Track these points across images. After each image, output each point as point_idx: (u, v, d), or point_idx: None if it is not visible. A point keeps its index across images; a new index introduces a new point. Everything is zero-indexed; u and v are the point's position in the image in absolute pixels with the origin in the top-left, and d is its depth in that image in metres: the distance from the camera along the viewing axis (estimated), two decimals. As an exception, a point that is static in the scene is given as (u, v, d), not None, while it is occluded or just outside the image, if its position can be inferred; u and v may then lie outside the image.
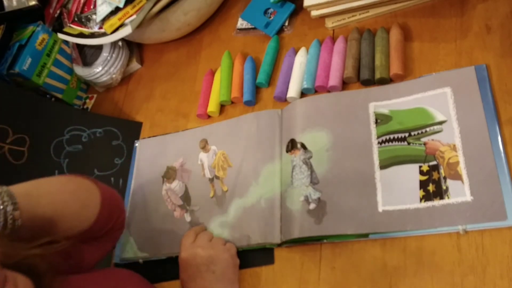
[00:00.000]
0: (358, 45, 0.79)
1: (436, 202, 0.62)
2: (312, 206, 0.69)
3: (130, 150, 0.93)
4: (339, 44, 0.80)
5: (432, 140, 0.67)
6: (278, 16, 0.90)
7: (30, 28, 0.99)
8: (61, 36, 0.99)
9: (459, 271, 0.58)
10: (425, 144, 0.67)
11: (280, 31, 0.90)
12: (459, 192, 0.62)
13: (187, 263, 0.68)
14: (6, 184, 0.83)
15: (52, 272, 0.51)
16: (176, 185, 0.83)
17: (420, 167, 0.66)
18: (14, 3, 1.00)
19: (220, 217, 0.76)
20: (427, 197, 0.63)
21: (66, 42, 1.03)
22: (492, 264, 0.57)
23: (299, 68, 0.82)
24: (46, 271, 0.50)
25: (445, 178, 0.63)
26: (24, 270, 0.47)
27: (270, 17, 0.91)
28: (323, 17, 0.85)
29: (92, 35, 0.94)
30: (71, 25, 0.98)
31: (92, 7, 0.96)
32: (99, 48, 1.01)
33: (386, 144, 0.69)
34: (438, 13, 0.76)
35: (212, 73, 0.93)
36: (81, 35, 0.96)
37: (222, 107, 0.89)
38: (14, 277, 0.44)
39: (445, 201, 0.62)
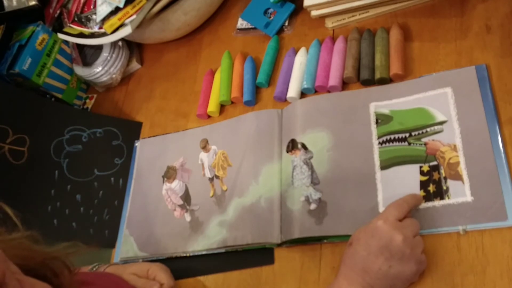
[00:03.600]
0: (358, 45, 0.79)
1: (437, 203, 0.62)
2: (312, 206, 0.69)
3: (130, 150, 0.93)
4: (339, 44, 0.80)
5: (433, 140, 0.67)
6: (278, 16, 0.90)
7: (30, 28, 0.99)
8: (61, 36, 0.99)
9: (459, 271, 0.58)
10: (425, 144, 0.67)
11: (280, 31, 0.90)
12: (460, 193, 0.62)
13: (378, 233, 0.57)
14: (6, 184, 0.83)
15: (70, 272, 0.51)
16: (176, 184, 0.83)
17: (420, 167, 0.66)
18: (14, 3, 1.00)
19: (220, 216, 0.76)
20: (427, 197, 0.63)
21: (66, 42, 1.03)
22: (492, 264, 0.57)
23: (299, 68, 0.82)
24: (63, 273, 0.50)
25: (445, 178, 0.64)
26: (44, 274, 0.47)
27: (270, 17, 0.91)
28: (323, 17, 0.85)
29: (92, 35, 0.94)
30: (71, 25, 0.98)
31: (92, 7, 0.95)
32: (99, 48, 1.01)
33: (387, 144, 0.69)
34: (438, 13, 0.76)
35: (212, 73, 0.93)
36: (81, 35, 0.96)
37: (222, 107, 0.89)
38: (32, 284, 0.44)
39: (446, 201, 0.62)
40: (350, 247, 0.59)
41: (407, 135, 0.69)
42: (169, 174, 0.85)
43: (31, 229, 0.51)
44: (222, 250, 0.74)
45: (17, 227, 0.50)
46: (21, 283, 0.42)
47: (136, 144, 0.93)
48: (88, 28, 0.95)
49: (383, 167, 0.68)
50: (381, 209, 0.65)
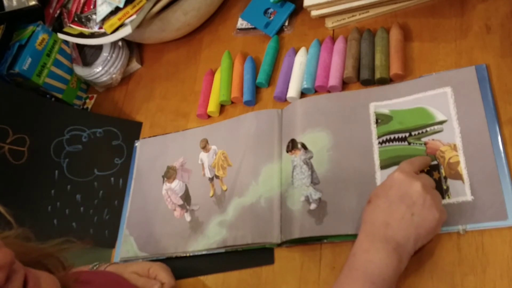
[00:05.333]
0: (358, 45, 0.79)
1: (437, 202, 0.62)
2: (313, 206, 0.69)
3: (130, 150, 0.93)
4: (339, 44, 0.80)
5: (433, 140, 0.67)
6: (278, 16, 0.90)
7: (30, 28, 0.99)
8: (61, 36, 0.99)
9: (459, 271, 0.58)
10: (425, 144, 0.67)
11: (280, 31, 0.90)
12: (460, 192, 0.62)
13: (396, 183, 0.57)
14: (6, 184, 0.83)
15: (64, 269, 0.51)
16: (176, 184, 0.83)
17: (420, 167, 0.66)
18: (14, 3, 1.00)
19: (219, 216, 0.76)
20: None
21: (66, 42, 1.03)
22: (492, 264, 0.57)
23: (299, 68, 0.82)
24: (58, 269, 0.50)
25: (445, 178, 0.64)
26: (42, 269, 0.47)
27: (270, 17, 0.91)
28: (323, 17, 0.85)
29: (92, 35, 0.94)
30: (71, 25, 0.98)
31: (92, 7, 0.96)
32: (99, 48, 1.01)
33: (387, 144, 0.69)
34: (438, 13, 0.76)
35: (212, 73, 0.93)
36: (81, 35, 0.96)
37: (222, 107, 0.89)
38: (38, 275, 0.44)
39: (446, 201, 0.62)
40: (369, 204, 0.58)
41: (407, 134, 0.69)
42: (169, 174, 0.85)
43: (24, 227, 0.51)
44: (222, 250, 0.74)
45: (9, 225, 0.50)
46: (27, 272, 0.42)
47: (136, 144, 0.93)
48: (88, 28, 0.95)
49: (383, 166, 0.68)
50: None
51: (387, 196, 0.57)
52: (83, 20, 0.97)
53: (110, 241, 0.84)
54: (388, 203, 0.56)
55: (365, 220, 0.58)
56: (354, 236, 0.65)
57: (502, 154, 0.61)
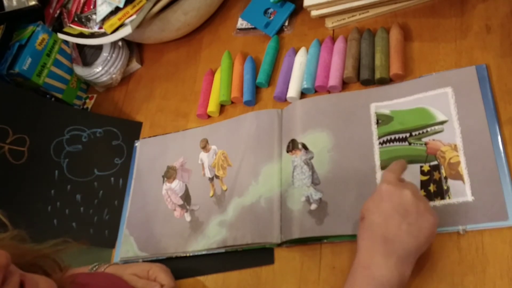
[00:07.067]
0: (358, 45, 0.79)
1: (437, 202, 0.62)
2: (313, 206, 0.69)
3: (130, 150, 0.93)
4: (339, 44, 0.80)
5: (433, 140, 0.67)
6: (278, 16, 0.90)
7: (30, 28, 0.99)
8: (61, 36, 0.99)
9: (459, 271, 0.58)
10: (426, 144, 0.67)
11: (280, 31, 0.90)
12: (460, 192, 0.62)
13: (386, 195, 0.56)
14: (6, 184, 0.83)
15: (61, 270, 0.51)
16: (176, 184, 0.83)
17: (421, 167, 0.66)
18: (14, 3, 1.00)
19: (219, 216, 0.76)
20: (428, 197, 0.63)
21: (66, 42, 1.03)
22: (492, 264, 0.57)
23: (299, 68, 0.82)
24: (55, 270, 0.50)
25: (446, 178, 0.64)
26: (35, 273, 0.47)
27: (270, 17, 0.91)
28: (323, 17, 0.85)
29: (92, 35, 0.94)
30: (71, 25, 0.98)
31: (92, 7, 0.96)
32: (99, 48, 1.01)
33: (387, 144, 0.69)
34: (438, 13, 0.76)
35: (212, 73, 0.93)
36: (81, 35, 0.96)
37: (222, 107, 0.89)
38: (35, 280, 0.44)
39: (446, 201, 0.62)
40: (363, 220, 0.57)
41: (408, 135, 0.69)
42: (169, 174, 0.85)
43: (19, 228, 0.50)
44: (222, 250, 0.74)
45: (5, 227, 0.50)
46: (24, 277, 0.42)
47: (136, 144, 0.93)
48: (88, 28, 0.95)
49: (384, 167, 0.68)
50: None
51: (380, 210, 0.56)
52: (83, 20, 0.97)
53: (110, 241, 0.84)
54: (382, 217, 0.55)
55: (362, 237, 0.57)
56: (354, 236, 0.65)
57: (502, 154, 0.61)
